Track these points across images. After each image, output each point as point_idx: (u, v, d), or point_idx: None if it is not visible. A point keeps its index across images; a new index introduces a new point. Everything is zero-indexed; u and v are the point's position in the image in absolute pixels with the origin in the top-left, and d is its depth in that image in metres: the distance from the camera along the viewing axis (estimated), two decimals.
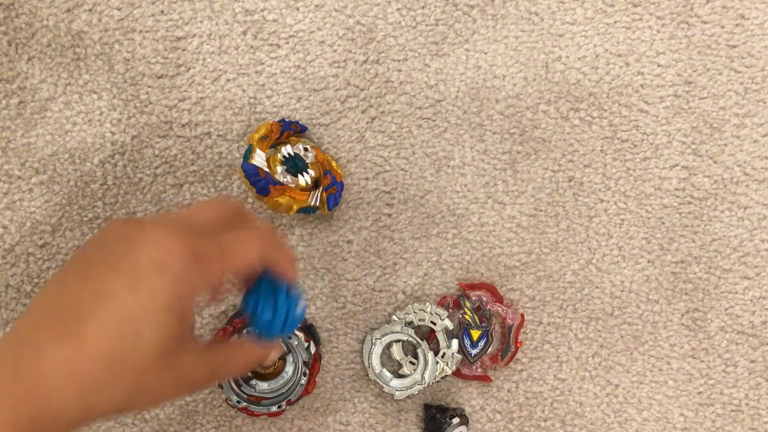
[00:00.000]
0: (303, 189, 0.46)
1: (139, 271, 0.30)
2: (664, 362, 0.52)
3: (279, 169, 0.46)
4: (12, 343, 0.29)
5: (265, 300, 0.34)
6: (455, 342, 0.49)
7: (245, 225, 0.35)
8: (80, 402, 0.29)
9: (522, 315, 0.50)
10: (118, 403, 0.30)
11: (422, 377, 0.49)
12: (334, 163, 0.49)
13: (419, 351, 0.49)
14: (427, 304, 0.49)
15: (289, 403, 0.48)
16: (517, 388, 0.51)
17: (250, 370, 0.47)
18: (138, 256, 0.30)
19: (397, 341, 0.50)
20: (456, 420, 0.49)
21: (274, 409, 0.48)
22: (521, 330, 0.51)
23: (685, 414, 0.52)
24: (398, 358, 0.50)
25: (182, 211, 0.34)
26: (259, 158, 0.45)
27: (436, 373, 0.49)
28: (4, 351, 0.29)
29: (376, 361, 0.49)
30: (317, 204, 0.47)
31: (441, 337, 0.49)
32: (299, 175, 0.46)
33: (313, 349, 0.48)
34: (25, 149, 0.49)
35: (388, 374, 0.49)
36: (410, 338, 0.49)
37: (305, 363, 0.47)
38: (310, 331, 0.50)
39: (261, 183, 0.44)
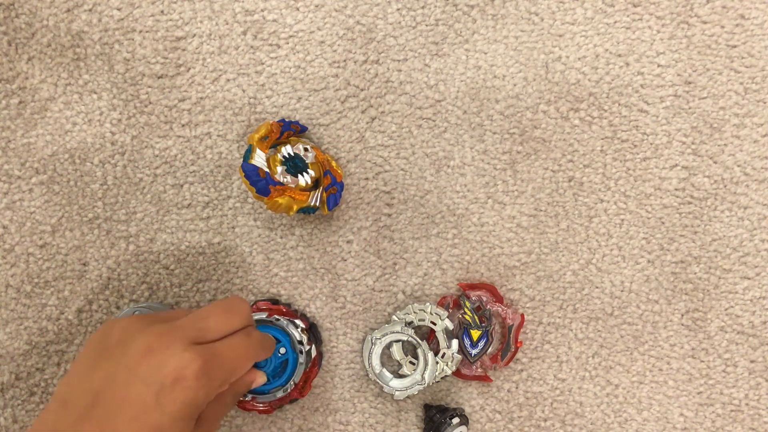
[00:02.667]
0: (303, 189, 0.46)
1: (164, 386, 0.35)
2: (664, 362, 0.52)
3: (279, 169, 0.45)
4: None
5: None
6: (455, 342, 0.49)
7: (248, 329, 0.40)
8: None
9: (522, 315, 0.50)
10: None
11: (422, 377, 0.49)
12: (334, 163, 0.49)
13: (419, 351, 0.49)
14: (427, 304, 0.49)
15: (281, 401, 0.47)
16: (517, 388, 0.51)
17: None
18: (161, 375, 0.35)
19: (397, 341, 0.50)
20: (456, 420, 0.49)
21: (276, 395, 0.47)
22: (521, 330, 0.51)
23: (685, 414, 0.52)
24: (398, 358, 0.50)
25: (202, 319, 0.38)
26: (259, 158, 0.45)
27: (436, 373, 0.49)
28: None
29: (376, 361, 0.49)
30: (317, 204, 0.47)
31: (441, 337, 0.49)
32: (299, 175, 0.46)
33: (313, 353, 0.48)
34: (25, 149, 0.49)
35: (388, 374, 0.49)
36: (410, 338, 0.49)
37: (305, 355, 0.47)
38: (312, 331, 0.49)
39: (261, 183, 0.44)
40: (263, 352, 0.41)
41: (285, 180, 0.45)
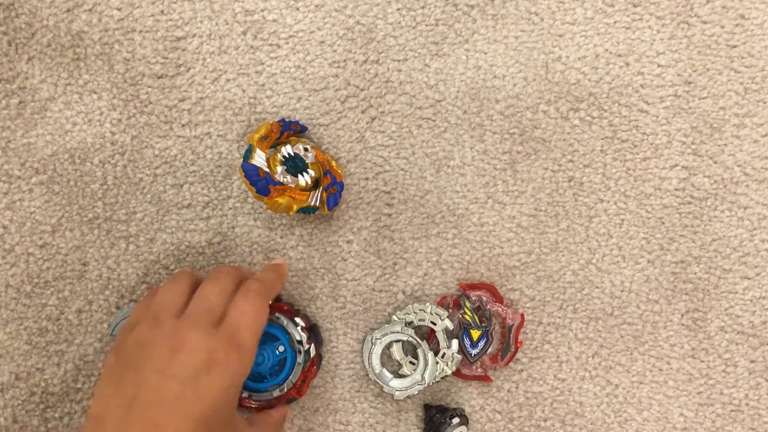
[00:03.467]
0: (303, 189, 0.46)
1: (199, 377, 0.36)
2: (664, 362, 0.52)
3: (279, 169, 0.45)
4: None
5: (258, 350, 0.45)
6: (455, 342, 0.49)
7: (242, 288, 0.41)
8: None
9: (522, 315, 0.50)
10: None
11: (422, 377, 0.49)
12: (334, 163, 0.49)
13: (419, 351, 0.49)
14: (427, 304, 0.49)
15: (278, 400, 0.47)
16: (517, 388, 0.51)
17: None
18: (193, 366, 0.36)
19: (397, 341, 0.50)
20: (456, 420, 0.49)
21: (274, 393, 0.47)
22: (521, 330, 0.51)
23: (685, 414, 0.52)
24: (398, 358, 0.50)
25: (203, 301, 0.39)
26: (259, 158, 0.45)
27: (436, 373, 0.49)
28: None
29: (376, 361, 0.49)
30: (317, 204, 0.47)
31: (441, 337, 0.49)
32: (299, 175, 0.46)
33: (312, 352, 0.48)
34: (25, 149, 0.49)
35: (388, 374, 0.49)
36: (410, 338, 0.49)
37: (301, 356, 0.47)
38: (312, 331, 0.49)
39: (261, 183, 0.44)
40: (274, 289, 0.43)
41: (285, 180, 0.45)
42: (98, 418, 0.36)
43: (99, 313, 0.50)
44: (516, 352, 0.50)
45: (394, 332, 0.49)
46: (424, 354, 0.49)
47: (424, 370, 0.49)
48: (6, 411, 0.50)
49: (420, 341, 0.49)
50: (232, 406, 0.38)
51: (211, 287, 0.40)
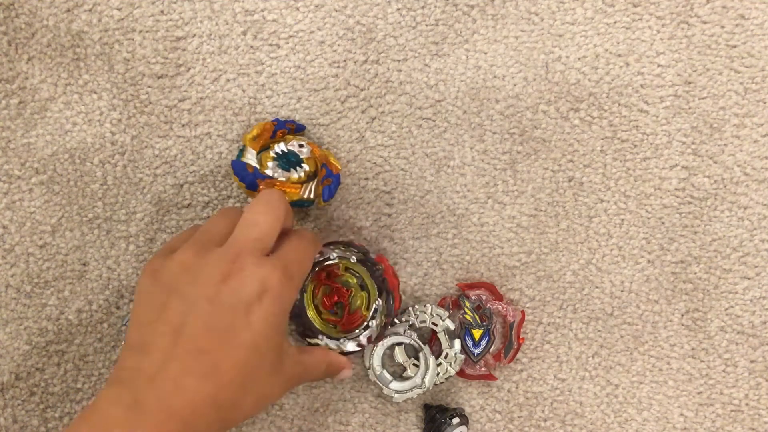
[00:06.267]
0: (297, 182, 0.47)
1: (251, 304, 0.35)
2: (664, 362, 0.52)
3: (270, 164, 0.46)
4: (145, 381, 0.34)
5: None
6: (457, 342, 0.49)
7: (298, 229, 0.42)
8: (219, 422, 0.34)
9: (522, 311, 0.50)
10: (245, 415, 0.36)
11: (422, 381, 0.49)
12: (332, 158, 0.49)
13: (420, 355, 0.49)
14: (428, 305, 0.49)
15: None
16: (517, 388, 0.51)
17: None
18: (245, 294, 0.35)
19: (399, 344, 0.50)
20: (456, 420, 0.49)
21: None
22: (522, 326, 0.51)
23: (685, 414, 0.52)
24: (401, 361, 0.50)
25: (253, 227, 0.38)
26: (250, 155, 0.46)
27: (440, 374, 0.49)
28: (141, 390, 0.33)
29: (377, 362, 0.49)
30: (311, 197, 0.47)
31: (443, 338, 0.49)
32: (292, 170, 0.47)
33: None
34: (25, 149, 0.49)
35: (388, 376, 0.49)
36: (412, 341, 0.49)
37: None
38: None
39: (249, 178, 0.45)
40: (316, 246, 0.43)
41: (275, 174, 0.46)
42: (141, 346, 0.35)
43: (99, 313, 0.50)
44: (519, 348, 0.50)
45: (396, 334, 0.49)
46: (425, 358, 0.49)
47: (425, 374, 0.49)
48: (6, 411, 0.50)
49: (422, 345, 0.49)
50: (282, 333, 0.37)
51: (263, 213, 0.39)
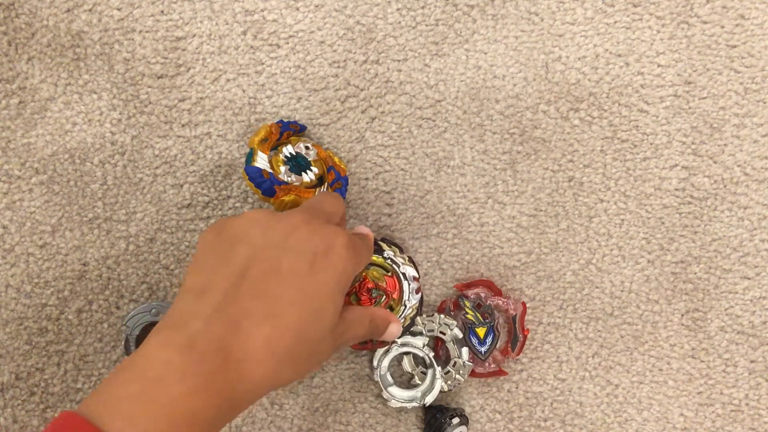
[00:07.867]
0: (308, 186, 0.47)
1: (316, 257, 0.35)
2: (664, 362, 0.52)
3: (282, 168, 0.46)
4: (202, 322, 0.32)
5: None
6: (465, 350, 0.49)
7: (360, 227, 0.44)
8: (273, 373, 0.33)
9: (523, 303, 0.50)
10: (298, 372, 0.35)
11: (423, 397, 0.49)
12: (336, 159, 0.49)
13: (429, 372, 0.49)
14: (435, 315, 0.49)
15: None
16: (517, 388, 0.51)
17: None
18: (313, 245, 0.35)
19: (408, 353, 0.50)
20: (456, 420, 0.49)
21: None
22: (525, 317, 0.51)
23: (685, 414, 0.52)
24: (409, 370, 0.50)
25: (320, 203, 0.40)
26: (261, 160, 0.45)
27: (448, 382, 0.49)
28: (195, 331, 0.32)
29: (385, 364, 0.49)
30: None
31: (451, 347, 0.49)
32: (303, 173, 0.46)
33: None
34: (25, 149, 0.49)
35: (389, 379, 0.49)
36: (425, 356, 0.49)
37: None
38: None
39: (266, 184, 0.44)
40: (371, 253, 0.43)
41: (289, 179, 0.46)
42: (200, 289, 0.34)
43: (99, 313, 0.50)
44: (525, 340, 0.50)
45: (414, 346, 0.49)
46: (433, 377, 0.49)
47: (428, 393, 0.49)
48: (6, 411, 0.50)
49: (434, 362, 0.49)
50: (341, 292, 0.36)
51: (331, 199, 0.41)
